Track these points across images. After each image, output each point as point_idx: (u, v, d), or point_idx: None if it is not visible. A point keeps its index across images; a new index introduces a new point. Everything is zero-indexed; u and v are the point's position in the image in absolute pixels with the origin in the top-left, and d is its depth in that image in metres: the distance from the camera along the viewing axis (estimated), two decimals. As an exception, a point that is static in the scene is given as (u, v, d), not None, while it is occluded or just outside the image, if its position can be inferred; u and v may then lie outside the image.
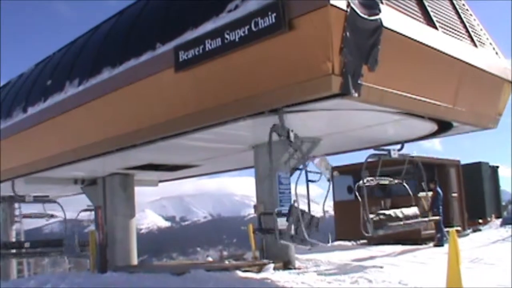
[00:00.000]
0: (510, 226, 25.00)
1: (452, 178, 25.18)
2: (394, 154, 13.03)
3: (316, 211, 11.84)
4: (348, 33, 8.82)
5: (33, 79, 19.06)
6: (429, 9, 11.55)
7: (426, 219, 15.18)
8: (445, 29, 11.80)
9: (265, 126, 11.71)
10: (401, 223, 13.19)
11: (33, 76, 19.46)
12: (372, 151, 13.55)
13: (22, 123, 17.67)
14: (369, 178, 14.23)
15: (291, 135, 11.03)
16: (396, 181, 15.35)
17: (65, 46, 18.58)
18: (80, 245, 18.52)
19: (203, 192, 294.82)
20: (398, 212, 13.48)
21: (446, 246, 14.75)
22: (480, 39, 13.24)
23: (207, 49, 10.42)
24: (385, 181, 14.89)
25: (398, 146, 14.22)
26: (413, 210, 14.10)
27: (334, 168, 26.07)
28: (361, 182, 13.32)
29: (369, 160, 13.30)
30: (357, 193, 13.18)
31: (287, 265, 13.44)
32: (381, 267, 12.74)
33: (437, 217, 16.38)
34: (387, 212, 13.36)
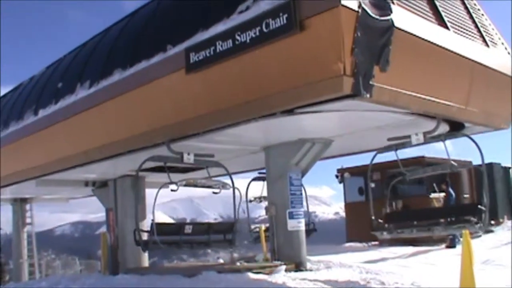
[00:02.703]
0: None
1: (464, 179, 25.08)
2: (418, 140, 12.31)
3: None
4: (359, 34, 8.80)
5: (44, 81, 19.13)
6: (440, 9, 11.50)
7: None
8: (456, 29, 11.74)
9: (276, 127, 11.74)
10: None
11: (44, 78, 19.54)
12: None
13: (33, 126, 17.75)
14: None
15: (186, 157, 12.76)
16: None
17: (76, 48, 18.64)
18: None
19: (213, 194, 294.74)
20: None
21: (458, 247, 14.70)
22: (492, 39, 13.17)
23: (218, 50, 10.43)
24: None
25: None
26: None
27: (345, 170, 26.11)
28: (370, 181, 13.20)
29: (381, 154, 13.10)
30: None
31: (298, 266, 13.39)
32: None
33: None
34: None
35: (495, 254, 16.54)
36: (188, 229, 12.91)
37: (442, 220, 11.75)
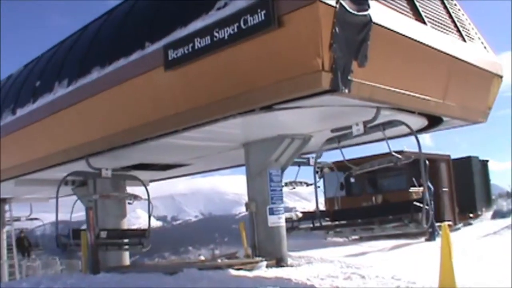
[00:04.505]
0: (501, 219, 25.11)
1: (443, 173, 25.27)
2: (358, 131, 12.00)
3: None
4: (337, 29, 8.83)
5: (21, 80, 18.96)
6: (417, 4, 11.56)
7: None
8: (433, 24, 11.82)
9: (255, 123, 11.73)
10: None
11: (21, 77, 19.37)
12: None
13: (11, 125, 17.59)
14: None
15: (104, 172, 14.96)
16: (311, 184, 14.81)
17: (53, 46, 18.49)
18: None
19: (194, 191, 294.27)
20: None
21: (437, 240, 14.81)
22: (469, 33, 13.28)
23: (196, 47, 10.42)
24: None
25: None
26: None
27: (324, 165, 26.15)
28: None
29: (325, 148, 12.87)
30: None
31: (279, 262, 13.42)
32: None
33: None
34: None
35: (475, 246, 16.72)
36: (103, 234, 15.25)
37: (377, 219, 11.47)
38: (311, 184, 14.75)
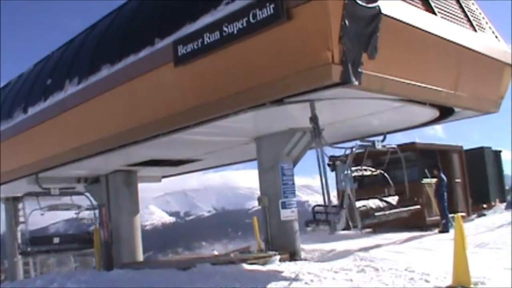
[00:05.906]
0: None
1: (455, 164, 25.12)
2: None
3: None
4: (347, 22, 8.80)
5: (32, 79, 19.04)
6: (427, -6, 11.49)
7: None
8: (443, 14, 11.75)
9: (266, 117, 11.71)
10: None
11: (32, 76, 19.45)
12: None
13: (23, 124, 17.67)
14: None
15: (53, 190, 16.98)
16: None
17: (63, 44, 18.55)
18: None
19: (207, 186, 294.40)
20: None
21: (451, 232, 14.76)
22: (480, 23, 13.19)
23: (206, 42, 10.42)
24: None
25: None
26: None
27: (337, 158, 26.06)
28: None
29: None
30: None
31: (293, 256, 13.43)
32: None
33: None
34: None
35: (489, 237, 16.61)
36: (56, 240, 17.13)
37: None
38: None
